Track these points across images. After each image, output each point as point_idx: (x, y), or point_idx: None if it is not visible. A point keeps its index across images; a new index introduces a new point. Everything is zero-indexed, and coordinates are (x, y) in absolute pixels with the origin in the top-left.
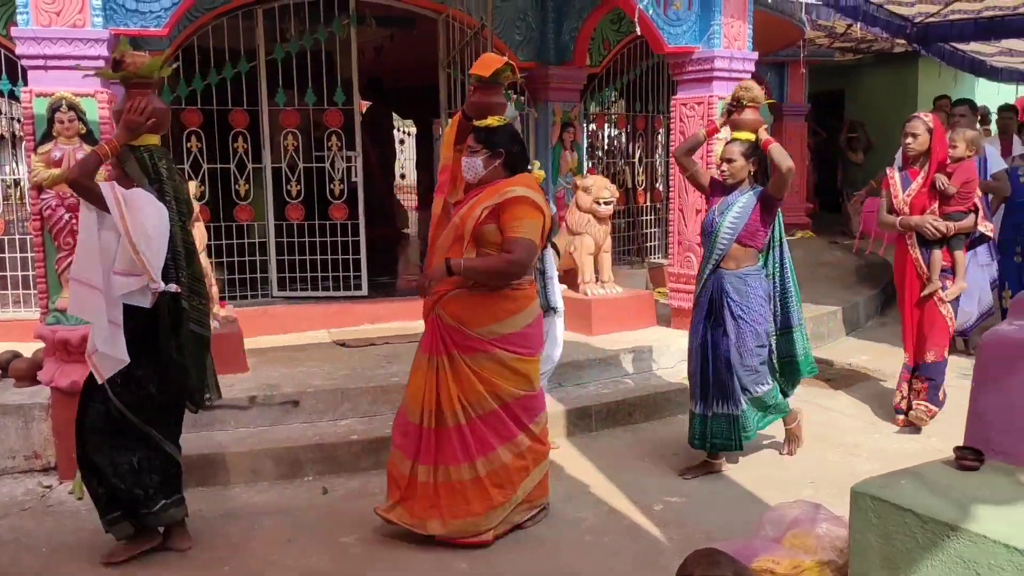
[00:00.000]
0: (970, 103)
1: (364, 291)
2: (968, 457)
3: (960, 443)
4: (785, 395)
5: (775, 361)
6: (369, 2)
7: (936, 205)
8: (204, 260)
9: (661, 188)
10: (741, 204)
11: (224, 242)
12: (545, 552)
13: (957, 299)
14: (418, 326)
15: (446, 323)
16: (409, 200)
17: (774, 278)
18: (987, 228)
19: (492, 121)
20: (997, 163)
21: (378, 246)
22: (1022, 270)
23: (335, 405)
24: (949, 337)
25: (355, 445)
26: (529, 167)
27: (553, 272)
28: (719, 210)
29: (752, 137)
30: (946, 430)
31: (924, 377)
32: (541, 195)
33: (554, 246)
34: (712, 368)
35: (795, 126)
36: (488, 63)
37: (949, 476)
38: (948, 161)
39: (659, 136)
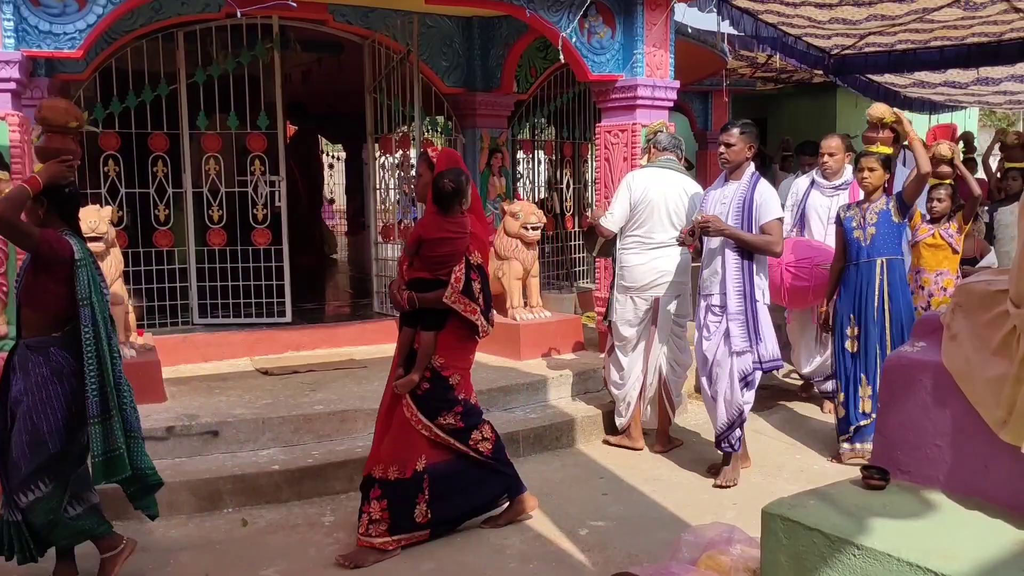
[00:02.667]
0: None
1: (288, 318)
2: (874, 477)
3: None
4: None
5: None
6: (294, 26)
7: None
8: (120, 287)
9: (589, 213)
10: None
11: (143, 268)
12: None
13: (450, 404)
14: (343, 353)
15: None
16: (340, 225)
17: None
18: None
19: None
20: (769, 206)
21: (304, 272)
22: (858, 363)
23: (256, 435)
24: (416, 451)
25: (276, 475)
26: None
27: None
28: None
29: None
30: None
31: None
32: None
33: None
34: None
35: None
36: None
37: (856, 495)
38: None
39: (586, 162)
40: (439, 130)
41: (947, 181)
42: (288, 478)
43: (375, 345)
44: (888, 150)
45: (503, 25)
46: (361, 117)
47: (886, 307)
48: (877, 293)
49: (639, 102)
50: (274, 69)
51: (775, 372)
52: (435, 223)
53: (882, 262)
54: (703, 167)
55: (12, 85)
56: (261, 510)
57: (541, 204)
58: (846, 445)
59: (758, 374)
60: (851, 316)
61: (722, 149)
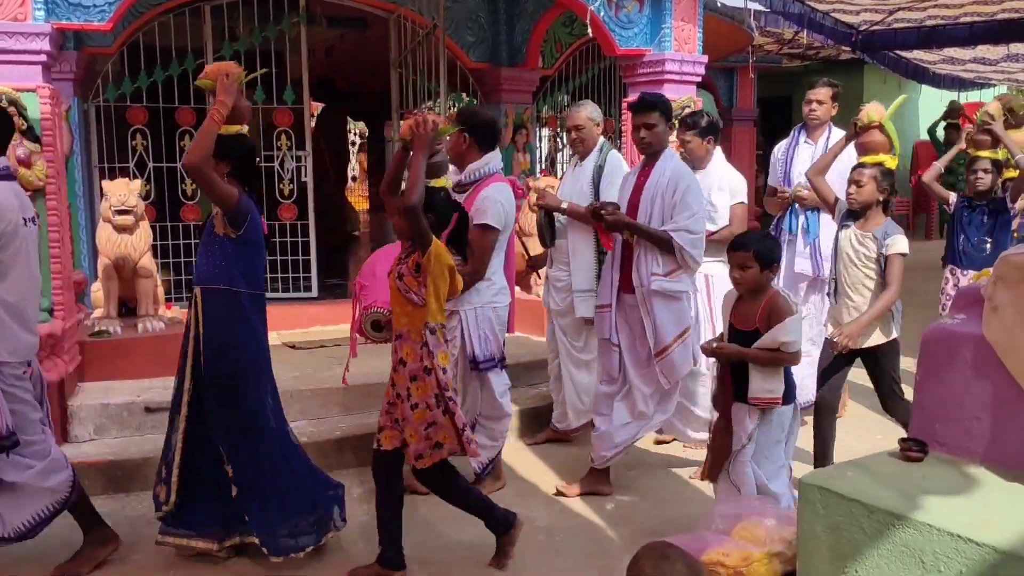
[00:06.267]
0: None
1: (314, 293)
2: (913, 448)
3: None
4: None
5: None
6: (320, 1)
7: None
8: (149, 260)
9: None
10: None
11: (170, 242)
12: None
13: None
14: None
15: None
16: (361, 202)
17: None
18: None
19: None
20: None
21: (328, 248)
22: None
23: (285, 408)
24: None
25: (305, 448)
26: None
27: None
28: None
29: None
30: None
31: None
32: None
33: None
34: None
35: (744, 131)
36: None
37: (894, 467)
38: None
39: (611, 139)
40: (464, 106)
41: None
42: (316, 450)
43: None
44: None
45: None
46: (383, 94)
47: (188, 365)
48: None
49: (667, 77)
50: (300, 44)
51: None
52: None
53: (197, 293)
54: (726, 145)
55: (43, 57)
56: None
57: None
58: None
59: None
60: None
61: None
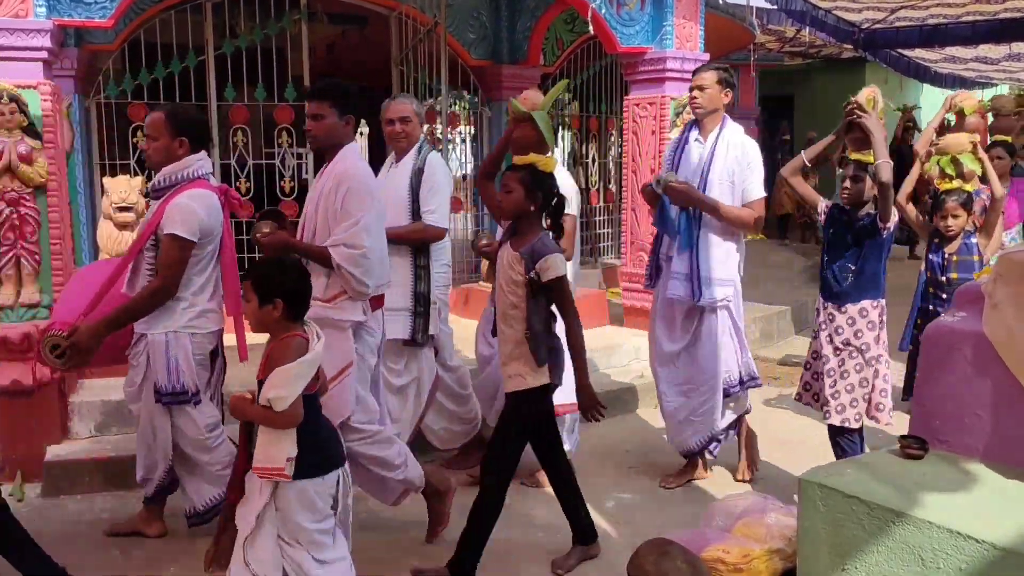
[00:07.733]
0: None
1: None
2: (913, 446)
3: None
4: None
5: None
6: None
7: None
8: None
9: (614, 189)
10: None
11: None
12: (496, 549)
13: None
14: None
15: None
16: None
17: None
18: None
19: None
20: None
21: None
22: None
23: None
24: None
25: None
26: None
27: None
28: None
29: None
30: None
31: None
32: None
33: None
34: None
35: (745, 130)
36: None
37: (894, 464)
38: None
39: (612, 137)
40: (465, 103)
41: None
42: None
43: None
44: None
45: None
46: (384, 92)
47: None
48: None
49: (668, 74)
50: (301, 41)
51: None
52: None
53: None
54: None
55: (43, 54)
56: None
57: None
58: None
59: None
60: None
61: None
